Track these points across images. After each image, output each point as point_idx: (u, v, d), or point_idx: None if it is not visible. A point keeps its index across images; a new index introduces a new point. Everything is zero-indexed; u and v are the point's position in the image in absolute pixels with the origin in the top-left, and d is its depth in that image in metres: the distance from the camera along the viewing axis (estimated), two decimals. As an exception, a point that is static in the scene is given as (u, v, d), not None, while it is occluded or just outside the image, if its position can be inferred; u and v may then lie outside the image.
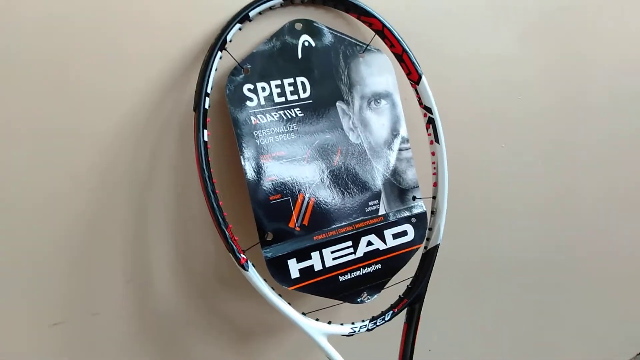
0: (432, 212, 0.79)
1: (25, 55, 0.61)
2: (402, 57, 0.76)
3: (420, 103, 0.78)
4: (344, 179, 0.73)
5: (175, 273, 0.73)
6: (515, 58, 0.94)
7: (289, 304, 0.69)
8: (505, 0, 0.91)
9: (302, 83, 0.72)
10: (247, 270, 0.65)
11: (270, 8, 0.69)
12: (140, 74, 0.67)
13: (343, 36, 0.74)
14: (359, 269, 0.73)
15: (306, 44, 0.72)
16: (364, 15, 0.74)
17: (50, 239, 0.66)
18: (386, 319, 0.74)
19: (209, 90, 0.64)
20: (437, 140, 0.78)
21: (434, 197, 0.79)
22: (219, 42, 0.65)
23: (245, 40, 0.70)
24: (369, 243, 0.74)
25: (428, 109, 0.77)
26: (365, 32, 0.77)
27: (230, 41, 0.66)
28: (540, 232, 1.04)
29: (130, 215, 0.69)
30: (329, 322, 0.71)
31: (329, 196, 0.72)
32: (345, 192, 0.73)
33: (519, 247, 1.02)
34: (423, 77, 0.77)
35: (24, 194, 0.64)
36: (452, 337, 1.00)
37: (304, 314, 0.70)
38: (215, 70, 0.65)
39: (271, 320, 0.80)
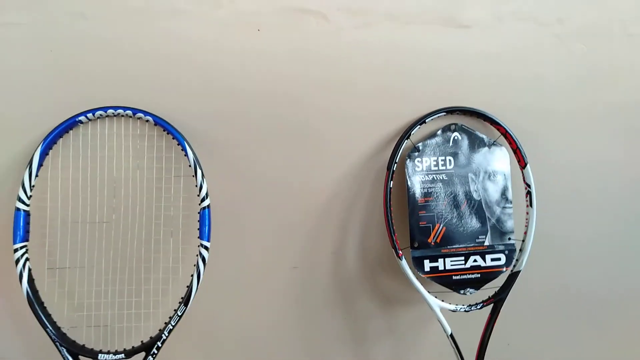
0: (520, 250, 1.23)
1: (280, 123, 1.22)
2: (516, 151, 1.22)
3: (524, 180, 1.23)
4: (465, 219, 1.22)
5: (357, 255, 1.29)
6: (610, 161, 1.32)
7: (422, 285, 1.20)
8: (607, 106, 1.30)
9: (449, 160, 1.22)
10: (401, 261, 1.18)
11: (438, 116, 1.21)
12: (357, 142, 1.24)
13: (478, 134, 1.23)
14: (465, 274, 1.21)
15: (455, 137, 1.22)
16: (495, 124, 1.22)
17: (293, 226, 1.26)
18: (478, 307, 1.21)
19: (396, 160, 1.19)
20: (531, 205, 1.22)
21: (523, 240, 1.23)
22: (406, 134, 1.19)
23: (420, 132, 1.22)
24: (474, 260, 1.22)
25: (528, 185, 1.22)
26: (494, 133, 1.25)
27: (412, 134, 1.20)
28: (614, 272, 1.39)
29: (341, 219, 1.26)
30: (442, 300, 1.20)
31: (454, 228, 1.22)
32: (465, 227, 1.22)
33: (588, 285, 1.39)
34: (528, 165, 1.22)
35: (279, 204, 1.25)
36: (529, 338, 1.41)
37: (429, 292, 1.20)
38: (402, 148, 1.19)
39: (406, 294, 1.31)
